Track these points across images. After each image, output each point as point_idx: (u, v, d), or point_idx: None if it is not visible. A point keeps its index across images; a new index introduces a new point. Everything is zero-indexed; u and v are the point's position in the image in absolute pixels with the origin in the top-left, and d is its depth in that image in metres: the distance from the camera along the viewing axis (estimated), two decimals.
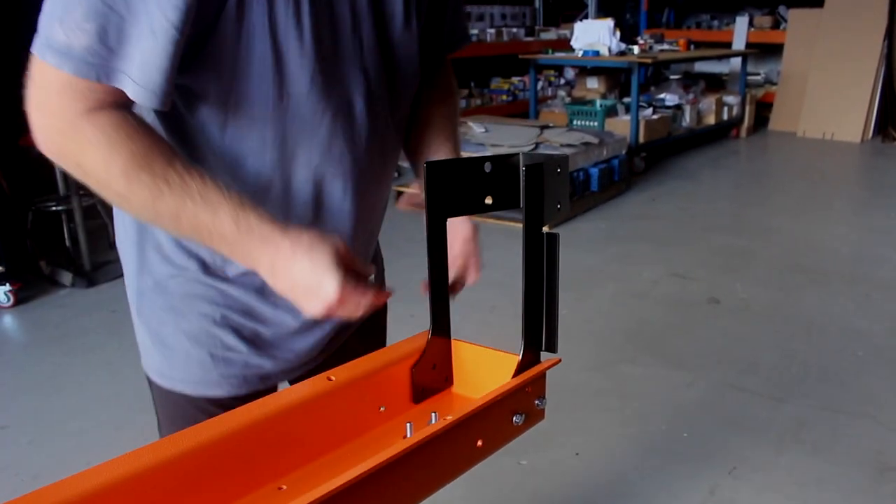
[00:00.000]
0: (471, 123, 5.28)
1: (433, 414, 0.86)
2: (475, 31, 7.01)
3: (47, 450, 2.35)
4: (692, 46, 7.33)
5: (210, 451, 0.72)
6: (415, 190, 1.04)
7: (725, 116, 7.15)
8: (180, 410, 1.04)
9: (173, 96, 0.82)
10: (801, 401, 2.55)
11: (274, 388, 1.08)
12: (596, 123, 5.87)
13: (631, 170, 5.52)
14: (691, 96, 6.86)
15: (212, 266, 0.98)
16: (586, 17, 8.18)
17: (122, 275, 1.06)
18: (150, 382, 1.07)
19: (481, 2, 7.79)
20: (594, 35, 6.14)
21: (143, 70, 0.77)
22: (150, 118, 0.90)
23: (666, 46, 7.07)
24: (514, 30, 7.60)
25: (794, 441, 2.34)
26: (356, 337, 1.14)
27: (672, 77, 7.41)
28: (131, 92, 0.78)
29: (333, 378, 0.84)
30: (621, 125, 5.80)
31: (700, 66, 8.34)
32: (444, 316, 0.94)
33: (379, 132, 0.98)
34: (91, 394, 2.68)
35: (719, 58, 7.81)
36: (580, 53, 6.19)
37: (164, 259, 0.98)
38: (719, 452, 2.28)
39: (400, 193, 4.75)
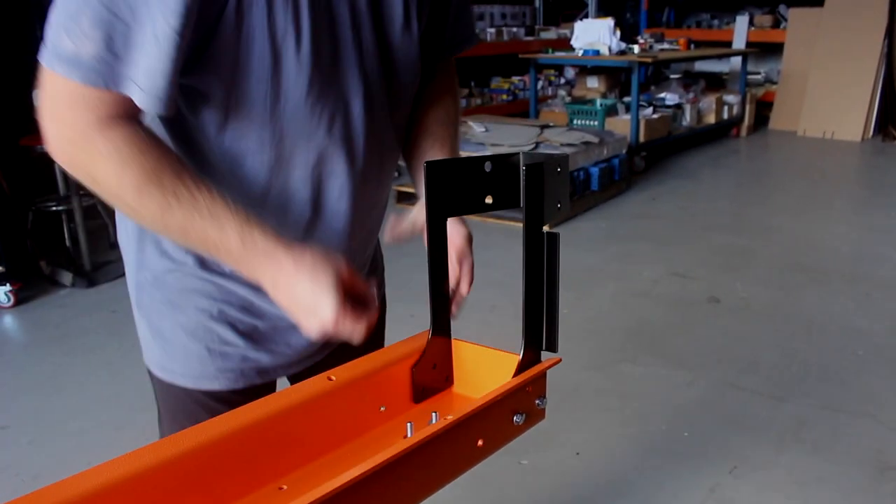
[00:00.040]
0: (471, 123, 5.28)
1: (434, 414, 0.86)
2: None
3: (48, 450, 2.35)
4: (692, 46, 7.33)
5: (211, 451, 0.72)
6: (398, 220, 1.04)
7: (726, 116, 7.15)
8: (180, 403, 1.06)
9: (177, 101, 0.83)
10: (802, 400, 2.56)
11: (272, 383, 1.10)
12: (596, 123, 5.87)
13: (631, 169, 5.52)
14: (691, 95, 6.86)
15: (209, 261, 0.98)
16: (586, 16, 8.18)
17: (122, 275, 1.07)
18: (151, 375, 1.08)
19: (481, 1, 7.79)
20: (594, 34, 6.14)
21: (147, 76, 0.78)
22: (153, 119, 0.90)
23: (666, 46, 7.07)
24: (515, 29, 7.60)
25: (794, 440, 2.34)
26: None
27: (672, 76, 7.41)
28: (138, 98, 0.79)
29: (334, 378, 0.84)
30: (621, 124, 5.80)
31: (700, 66, 8.34)
32: (445, 316, 0.94)
33: (377, 134, 0.98)
34: (91, 394, 2.68)
35: (719, 57, 7.81)
36: (580, 53, 6.19)
37: (162, 254, 0.99)
38: (719, 452, 2.28)
39: (400, 193, 4.75)
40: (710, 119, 6.91)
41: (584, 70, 6.80)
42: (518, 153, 0.90)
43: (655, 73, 7.58)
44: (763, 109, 7.81)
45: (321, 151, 0.93)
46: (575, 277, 3.63)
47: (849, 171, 6.37)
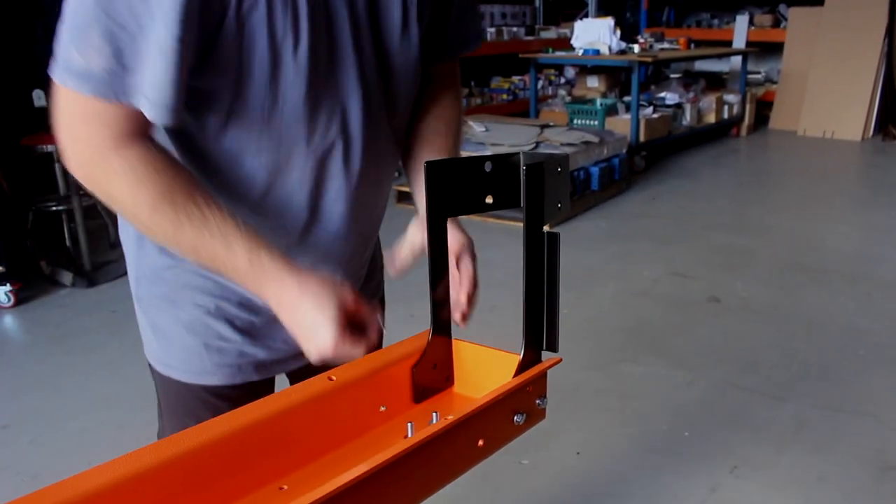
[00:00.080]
0: (471, 122, 5.28)
1: (434, 414, 0.86)
2: None
3: (48, 449, 2.35)
4: (692, 45, 7.33)
5: (211, 451, 0.72)
6: (396, 251, 1.03)
7: (726, 115, 7.14)
8: (179, 398, 1.07)
9: (183, 111, 0.84)
10: (802, 400, 2.55)
11: (271, 380, 1.11)
12: (596, 122, 5.87)
13: (631, 169, 5.52)
14: (692, 95, 6.86)
15: None
16: (586, 15, 8.17)
17: (122, 275, 1.08)
18: (152, 369, 1.10)
19: (481, 1, 7.79)
20: (594, 34, 6.13)
21: (154, 86, 0.79)
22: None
23: (666, 45, 7.07)
24: (515, 29, 7.60)
25: (794, 440, 2.34)
26: None
27: (672, 76, 7.41)
28: (146, 109, 0.80)
29: (334, 378, 0.84)
30: (621, 124, 5.80)
31: (700, 65, 8.34)
32: (445, 315, 0.94)
33: (375, 137, 0.99)
34: (92, 393, 2.68)
35: (720, 56, 7.81)
36: (580, 52, 6.19)
37: (161, 250, 1.00)
38: (720, 451, 2.28)
39: (400, 193, 4.75)
40: (711, 118, 6.91)
41: (585, 70, 6.80)
42: (518, 153, 0.90)
43: (655, 73, 7.58)
44: (763, 109, 7.81)
45: (318, 154, 0.94)
46: (575, 277, 3.63)
47: (849, 171, 6.36)
